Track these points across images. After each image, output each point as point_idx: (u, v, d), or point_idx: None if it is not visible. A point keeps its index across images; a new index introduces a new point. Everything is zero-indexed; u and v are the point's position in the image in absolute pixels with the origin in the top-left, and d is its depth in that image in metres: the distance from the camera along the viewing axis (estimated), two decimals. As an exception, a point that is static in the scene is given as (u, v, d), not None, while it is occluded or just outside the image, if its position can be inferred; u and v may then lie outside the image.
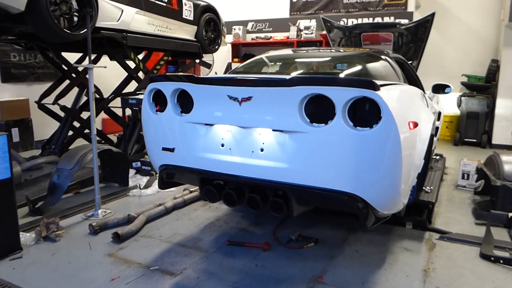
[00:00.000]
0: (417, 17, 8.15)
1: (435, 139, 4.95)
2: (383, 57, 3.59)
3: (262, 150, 2.60)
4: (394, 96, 2.41)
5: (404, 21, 7.96)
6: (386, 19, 8.62)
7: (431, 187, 3.85)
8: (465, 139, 8.12)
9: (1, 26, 4.85)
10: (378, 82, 2.43)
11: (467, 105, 8.01)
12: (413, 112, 2.69)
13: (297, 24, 9.28)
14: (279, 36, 9.55)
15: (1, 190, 3.08)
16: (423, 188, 3.80)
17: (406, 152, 2.37)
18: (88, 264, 3.07)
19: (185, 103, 2.89)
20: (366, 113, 2.36)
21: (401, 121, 2.30)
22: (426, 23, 5.75)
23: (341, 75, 3.04)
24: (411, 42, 6.01)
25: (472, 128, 8.02)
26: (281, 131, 2.52)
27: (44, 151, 6.52)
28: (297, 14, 9.52)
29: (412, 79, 4.27)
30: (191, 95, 2.78)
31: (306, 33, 9.08)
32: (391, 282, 2.85)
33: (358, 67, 3.51)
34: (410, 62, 6.12)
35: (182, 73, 8.57)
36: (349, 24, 8.84)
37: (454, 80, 8.59)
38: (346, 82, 2.32)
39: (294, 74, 3.34)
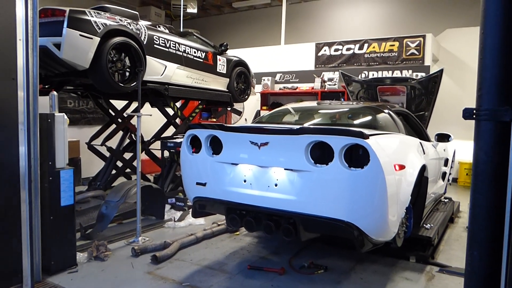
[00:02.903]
0: (435, 70, 8.74)
1: (441, 182, 5.39)
2: (385, 110, 4.19)
3: (276, 185, 3.21)
4: (381, 143, 2.99)
5: (421, 74, 8.60)
6: (405, 72, 9.27)
7: (431, 225, 4.29)
8: (484, 186, 8.39)
9: (67, 79, 5.81)
10: (369, 132, 3.04)
11: (484, 153, 8.35)
12: (400, 156, 3.24)
13: (321, 76, 10.06)
14: (304, 86, 10.34)
15: (66, 214, 3.79)
16: (424, 225, 4.25)
17: (391, 188, 2.92)
18: (131, 279, 3.68)
19: (216, 146, 3.58)
20: (359, 157, 2.95)
21: (386, 163, 2.87)
22: (435, 78, 6.33)
23: (340, 126, 3.64)
24: (423, 95, 6.56)
25: (490, 175, 8.29)
26: (291, 170, 3.13)
27: (90, 187, 7.31)
28: (322, 66, 10.33)
29: (416, 129, 4.82)
30: (221, 140, 3.47)
31: (329, 84, 9.82)
32: (387, 303, 3.30)
33: (361, 119, 4.13)
34: (423, 113, 6.67)
35: (214, 122, 9.45)
36: (370, 76, 9.56)
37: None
38: (341, 132, 2.94)
39: (306, 124, 3.98)
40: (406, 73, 9.21)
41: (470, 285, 1.71)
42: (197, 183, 3.64)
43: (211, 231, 4.97)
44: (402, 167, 3.11)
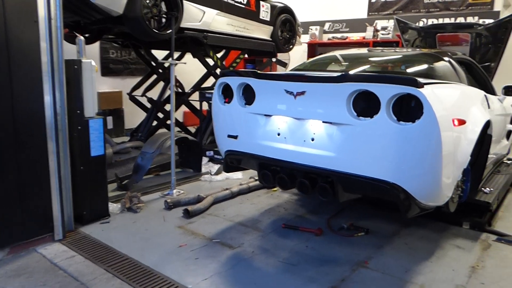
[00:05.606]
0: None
1: (505, 141, 4.80)
2: (445, 58, 3.63)
3: (312, 139, 2.87)
4: (438, 94, 2.53)
5: (488, 21, 7.62)
6: (470, 19, 8.28)
7: (491, 189, 3.81)
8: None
9: (104, 26, 5.63)
10: (424, 80, 2.58)
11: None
12: (461, 110, 2.77)
13: (374, 25, 9.26)
14: (355, 36, 9.60)
15: (96, 164, 3.70)
16: (482, 188, 3.78)
17: (448, 146, 2.49)
18: (161, 232, 3.58)
19: (249, 96, 3.26)
20: (411, 109, 2.53)
21: (443, 117, 2.43)
22: (507, 24, 5.51)
23: (389, 73, 3.18)
24: (490, 43, 5.77)
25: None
26: (330, 123, 2.77)
27: (132, 138, 7.32)
28: (375, 14, 9.49)
29: (481, 80, 4.22)
30: (254, 88, 3.14)
31: (382, 34, 9.04)
32: (435, 273, 2.96)
33: (416, 67, 3.60)
34: (489, 64, 5.90)
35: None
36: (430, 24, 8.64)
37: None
38: (390, 80, 2.51)
39: (352, 71, 3.53)
40: (472, 20, 8.22)
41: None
42: (229, 136, 3.38)
43: (247, 186, 4.78)
44: (462, 122, 2.66)
